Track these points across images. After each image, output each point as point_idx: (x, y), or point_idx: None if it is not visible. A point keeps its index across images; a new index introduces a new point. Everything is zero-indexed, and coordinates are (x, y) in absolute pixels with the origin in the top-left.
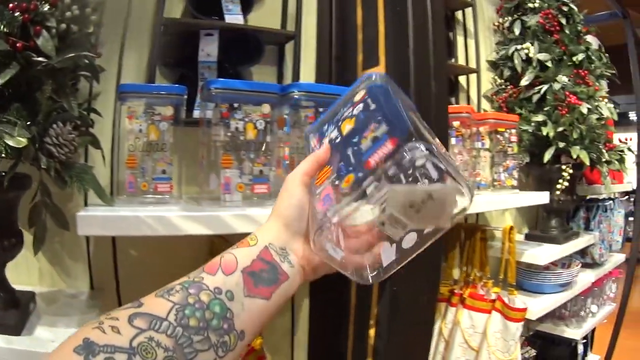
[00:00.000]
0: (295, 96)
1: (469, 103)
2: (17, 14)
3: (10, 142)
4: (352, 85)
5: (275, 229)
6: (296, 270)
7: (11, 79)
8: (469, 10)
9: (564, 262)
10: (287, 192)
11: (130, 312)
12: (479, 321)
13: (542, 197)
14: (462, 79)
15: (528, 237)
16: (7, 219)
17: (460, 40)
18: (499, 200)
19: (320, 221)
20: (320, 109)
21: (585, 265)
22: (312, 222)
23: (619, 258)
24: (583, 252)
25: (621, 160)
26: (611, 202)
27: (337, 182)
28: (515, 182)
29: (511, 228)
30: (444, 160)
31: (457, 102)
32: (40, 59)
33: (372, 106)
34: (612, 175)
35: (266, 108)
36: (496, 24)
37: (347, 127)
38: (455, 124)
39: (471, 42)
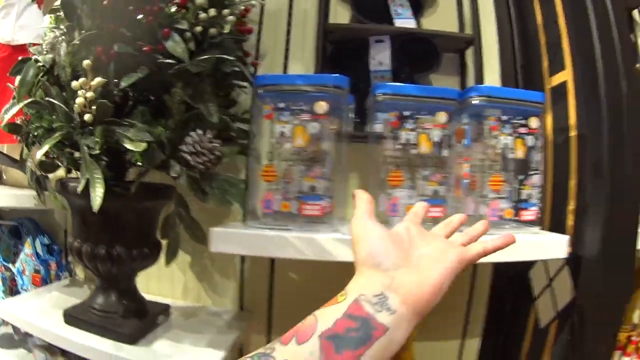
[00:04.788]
0: (476, 102)
1: None
2: (140, 17)
3: (129, 146)
4: None
5: (366, 275)
6: (399, 316)
7: (139, 83)
8: None
9: None
10: (360, 234)
11: None
12: None
13: None
14: None
15: None
16: (140, 228)
17: None
18: None
19: None
20: (505, 117)
21: None
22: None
23: None
24: None
25: None
26: None
27: None
28: None
29: None
30: None
31: None
32: (169, 61)
33: None
34: None
35: (442, 117)
36: None
37: None
38: None
39: None
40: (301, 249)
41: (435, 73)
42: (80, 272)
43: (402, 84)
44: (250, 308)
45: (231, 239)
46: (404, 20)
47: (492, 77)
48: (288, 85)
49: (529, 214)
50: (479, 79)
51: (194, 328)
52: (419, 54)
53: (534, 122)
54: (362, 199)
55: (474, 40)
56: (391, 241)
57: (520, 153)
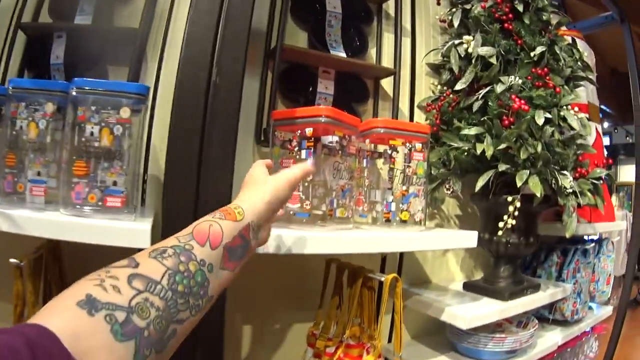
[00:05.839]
0: (73, 93)
1: (395, 114)
2: None
3: None
4: None
5: (261, 206)
6: (257, 243)
7: None
8: (406, 4)
9: (521, 320)
10: (275, 186)
11: (128, 272)
12: None
13: (466, 239)
14: (388, 86)
15: (467, 288)
16: None
17: (389, 37)
18: (362, 240)
19: None
20: (94, 107)
21: (556, 322)
22: None
23: (605, 312)
24: (552, 307)
25: (595, 191)
26: (594, 244)
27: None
28: (421, 216)
29: (395, 279)
30: None
31: (375, 112)
32: None
33: None
34: (592, 210)
35: (50, 107)
36: (438, 17)
37: None
38: (308, 131)
39: (407, 41)
40: None
41: (112, 65)
42: None
43: (22, 79)
44: None
45: None
46: (83, 17)
47: (173, 65)
48: None
49: (115, 200)
50: (134, 70)
51: None
52: (92, 48)
53: (125, 113)
54: (266, 160)
55: (140, 35)
56: (280, 206)
57: (105, 141)
